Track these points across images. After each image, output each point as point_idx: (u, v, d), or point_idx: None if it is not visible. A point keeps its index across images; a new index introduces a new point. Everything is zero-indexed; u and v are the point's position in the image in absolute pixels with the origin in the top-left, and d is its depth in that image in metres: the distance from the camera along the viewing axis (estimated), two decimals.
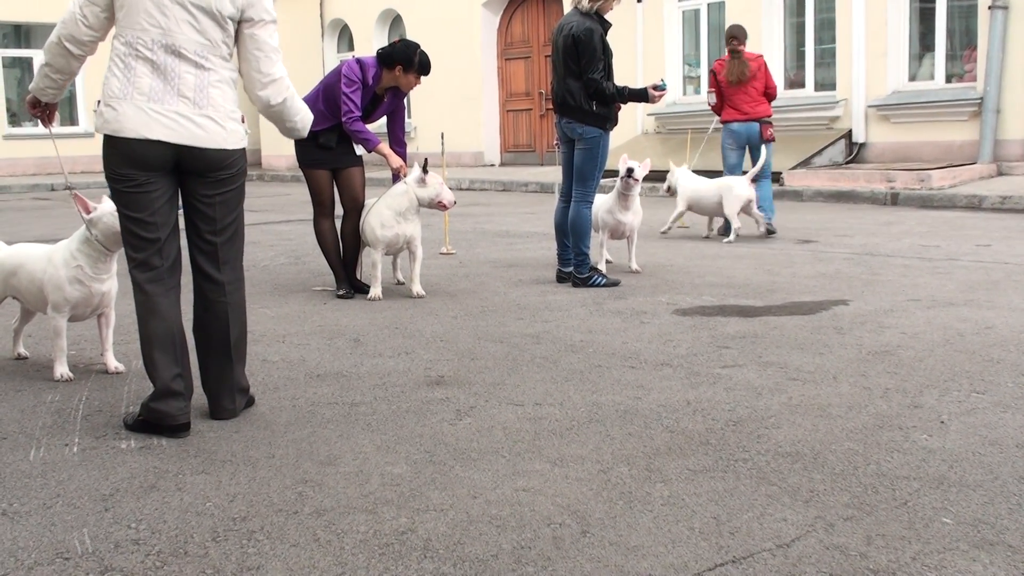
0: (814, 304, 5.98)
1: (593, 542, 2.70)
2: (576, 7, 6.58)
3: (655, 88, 6.62)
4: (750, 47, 9.62)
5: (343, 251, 6.74)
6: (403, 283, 6.99)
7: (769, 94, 9.23)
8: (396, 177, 6.57)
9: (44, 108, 3.95)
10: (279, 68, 3.72)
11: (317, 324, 5.68)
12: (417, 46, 6.46)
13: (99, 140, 3.66)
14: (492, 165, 20.34)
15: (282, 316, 5.93)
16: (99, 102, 3.62)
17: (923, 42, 14.48)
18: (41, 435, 3.70)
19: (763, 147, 9.05)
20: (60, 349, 4.50)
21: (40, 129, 22.34)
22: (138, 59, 3.54)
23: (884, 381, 4.25)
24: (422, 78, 6.52)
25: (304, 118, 3.90)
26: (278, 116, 3.82)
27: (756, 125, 9.14)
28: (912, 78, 14.50)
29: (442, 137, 9.88)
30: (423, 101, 19.74)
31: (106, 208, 4.25)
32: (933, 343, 4.91)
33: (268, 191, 17.22)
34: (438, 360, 4.77)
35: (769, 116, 9.18)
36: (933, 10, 14.14)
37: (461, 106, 20.21)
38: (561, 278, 6.95)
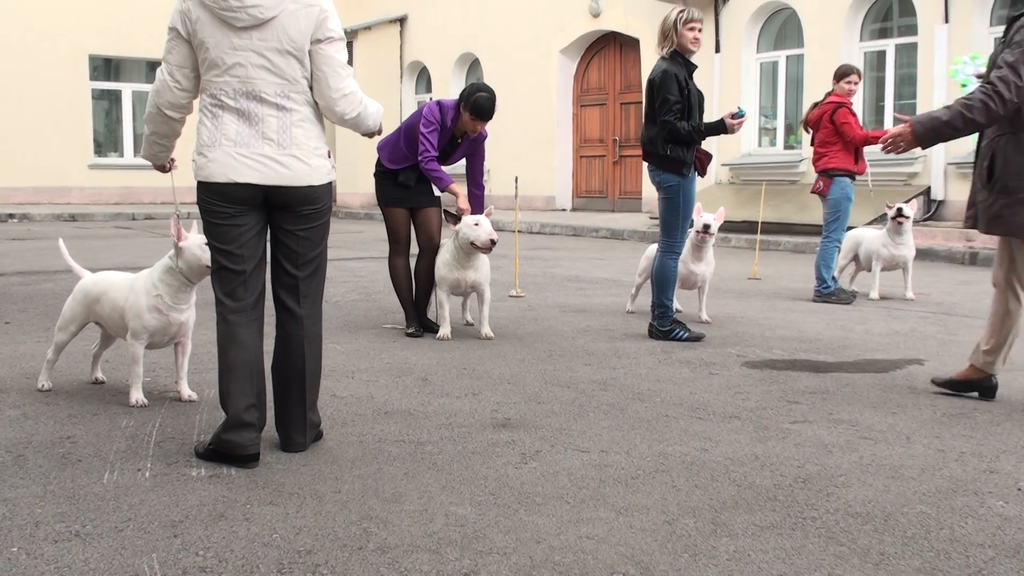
0: (888, 362, 5.87)
1: None
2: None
3: (732, 116, 6.34)
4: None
5: (415, 290, 6.81)
6: (472, 324, 7.03)
7: (849, 142, 8.39)
8: (456, 219, 6.53)
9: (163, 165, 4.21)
10: (350, 83, 3.79)
11: (386, 361, 5.74)
12: (479, 88, 6.48)
13: (181, 173, 3.78)
14: (563, 210, 20.42)
15: (352, 352, 5.99)
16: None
17: None
18: (115, 459, 3.78)
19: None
20: (136, 375, 4.60)
21: (124, 160, 23.19)
22: (224, 109, 3.68)
23: (959, 444, 4.16)
24: (486, 123, 6.55)
25: (376, 119, 3.97)
26: (354, 125, 3.92)
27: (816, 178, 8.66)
28: None
29: (516, 181, 9.95)
30: (497, 144, 19.74)
31: (195, 240, 4.37)
32: (1011, 407, 4.79)
33: (342, 228, 17.46)
34: (505, 402, 4.79)
35: (830, 169, 8.44)
36: None
37: (535, 150, 20.35)
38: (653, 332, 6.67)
